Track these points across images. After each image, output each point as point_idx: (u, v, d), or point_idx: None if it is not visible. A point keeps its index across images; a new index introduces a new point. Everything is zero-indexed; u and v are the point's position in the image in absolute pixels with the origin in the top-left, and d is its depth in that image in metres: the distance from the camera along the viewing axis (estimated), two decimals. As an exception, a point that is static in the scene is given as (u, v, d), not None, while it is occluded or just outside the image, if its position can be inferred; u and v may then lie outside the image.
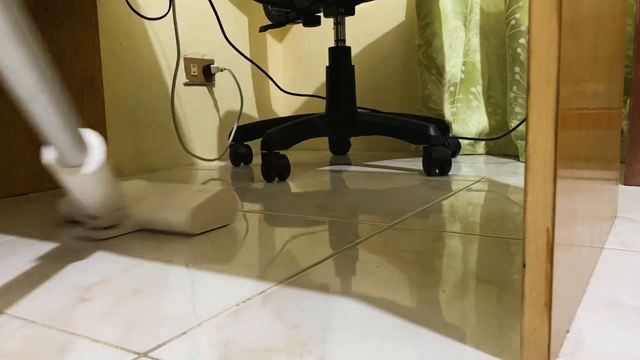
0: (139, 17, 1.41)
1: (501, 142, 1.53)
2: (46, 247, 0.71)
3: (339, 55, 1.40)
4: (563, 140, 0.34)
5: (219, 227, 0.78)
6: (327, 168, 1.40)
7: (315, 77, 1.92)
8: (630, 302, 0.46)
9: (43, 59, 0.51)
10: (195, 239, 0.72)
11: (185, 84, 1.57)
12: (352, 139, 1.85)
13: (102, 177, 0.64)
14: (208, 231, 0.76)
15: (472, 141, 1.56)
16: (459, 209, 0.84)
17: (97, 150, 0.62)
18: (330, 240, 0.69)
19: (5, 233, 0.79)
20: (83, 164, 0.61)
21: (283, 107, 2.01)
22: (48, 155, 0.61)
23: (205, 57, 1.64)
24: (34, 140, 1.15)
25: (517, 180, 1.09)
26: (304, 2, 1.36)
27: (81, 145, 0.60)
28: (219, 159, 1.53)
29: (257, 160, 1.62)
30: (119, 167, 1.06)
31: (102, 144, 0.63)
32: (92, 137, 0.63)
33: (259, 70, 1.85)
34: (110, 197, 0.69)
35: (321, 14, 1.44)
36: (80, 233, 0.77)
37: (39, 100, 0.52)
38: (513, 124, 1.39)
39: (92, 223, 0.72)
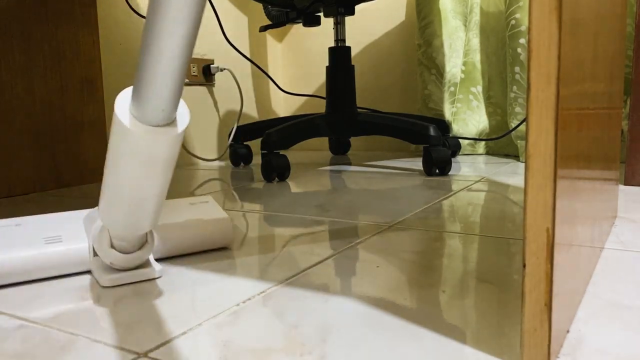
0: (139, 17, 1.41)
1: (501, 142, 1.53)
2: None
3: (339, 55, 1.40)
4: (563, 140, 0.34)
5: None
6: (327, 168, 1.40)
7: (315, 77, 1.92)
8: (630, 302, 0.46)
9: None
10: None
11: (185, 84, 1.57)
12: (352, 139, 1.85)
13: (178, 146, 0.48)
14: None
15: (472, 141, 1.56)
16: (459, 209, 0.84)
17: (184, 110, 0.48)
18: (330, 240, 0.69)
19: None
20: (169, 124, 0.45)
21: (283, 107, 2.01)
22: (125, 107, 0.45)
23: (205, 57, 1.64)
24: (35, 140, 1.15)
25: (517, 180, 1.09)
26: (304, 2, 1.36)
27: (175, 105, 0.45)
28: (219, 159, 1.53)
29: (257, 160, 1.62)
30: None
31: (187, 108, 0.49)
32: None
33: (259, 70, 1.85)
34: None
35: (321, 14, 1.44)
36: None
37: (176, 34, 0.39)
38: (513, 124, 1.39)
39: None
